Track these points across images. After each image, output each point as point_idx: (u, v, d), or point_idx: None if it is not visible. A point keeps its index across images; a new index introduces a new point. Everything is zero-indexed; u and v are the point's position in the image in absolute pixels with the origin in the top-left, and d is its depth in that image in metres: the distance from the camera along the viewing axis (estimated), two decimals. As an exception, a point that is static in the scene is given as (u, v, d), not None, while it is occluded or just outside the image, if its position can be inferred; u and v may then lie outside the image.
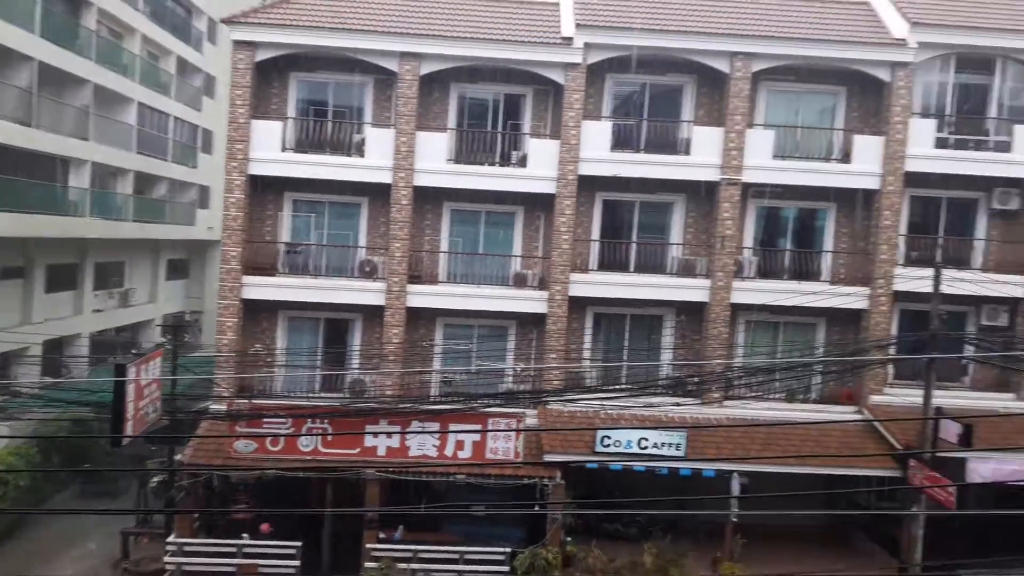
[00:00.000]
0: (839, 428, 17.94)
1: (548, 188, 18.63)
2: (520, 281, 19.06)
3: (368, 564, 16.43)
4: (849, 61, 18.62)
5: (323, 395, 18.59)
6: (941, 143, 18.95)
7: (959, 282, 17.54)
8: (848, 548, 18.37)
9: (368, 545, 16.79)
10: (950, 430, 16.12)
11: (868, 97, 19.36)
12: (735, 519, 16.64)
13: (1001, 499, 18.39)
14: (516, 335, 19.59)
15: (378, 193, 18.84)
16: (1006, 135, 19.07)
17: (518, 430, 16.83)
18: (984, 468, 16.58)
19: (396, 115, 18.59)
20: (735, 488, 16.71)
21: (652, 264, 19.57)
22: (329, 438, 16.56)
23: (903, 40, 18.49)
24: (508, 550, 16.57)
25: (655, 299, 19.19)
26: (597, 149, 18.59)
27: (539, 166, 18.60)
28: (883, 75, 18.69)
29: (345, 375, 18.86)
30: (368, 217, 19.33)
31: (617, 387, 18.94)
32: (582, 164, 18.57)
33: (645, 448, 16.85)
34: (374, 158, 18.43)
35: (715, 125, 18.93)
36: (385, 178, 18.42)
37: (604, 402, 17.81)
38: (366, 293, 18.60)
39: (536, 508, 17.03)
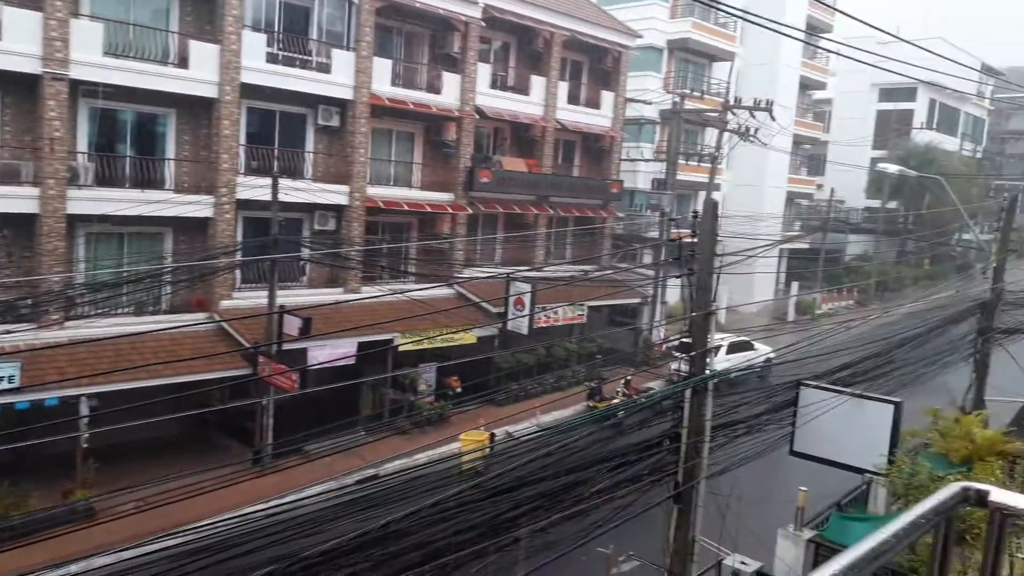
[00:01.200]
0: (192, 335, 18.17)
1: None
2: None
3: None
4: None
5: None
6: (272, 58, 20.13)
7: (294, 191, 19.29)
8: (207, 448, 19.04)
9: None
10: (292, 324, 17.90)
11: (202, 3, 19.21)
12: (86, 444, 15.55)
13: (336, 376, 21.39)
14: None
15: None
16: (327, 57, 21.31)
17: None
18: (321, 353, 18.97)
19: None
20: (84, 411, 15.53)
21: (-42, 169, 16.21)
22: None
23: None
24: None
25: (-35, 211, 16.05)
26: None
27: None
28: (215, -18, 18.74)
29: None
30: None
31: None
32: None
33: (-34, 388, 14.26)
34: None
35: (33, 9, 16.34)
36: None
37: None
38: None
39: None
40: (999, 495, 2.11)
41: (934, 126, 52.67)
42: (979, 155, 61.47)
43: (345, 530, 6.33)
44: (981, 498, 2.12)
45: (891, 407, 10.52)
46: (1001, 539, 2.17)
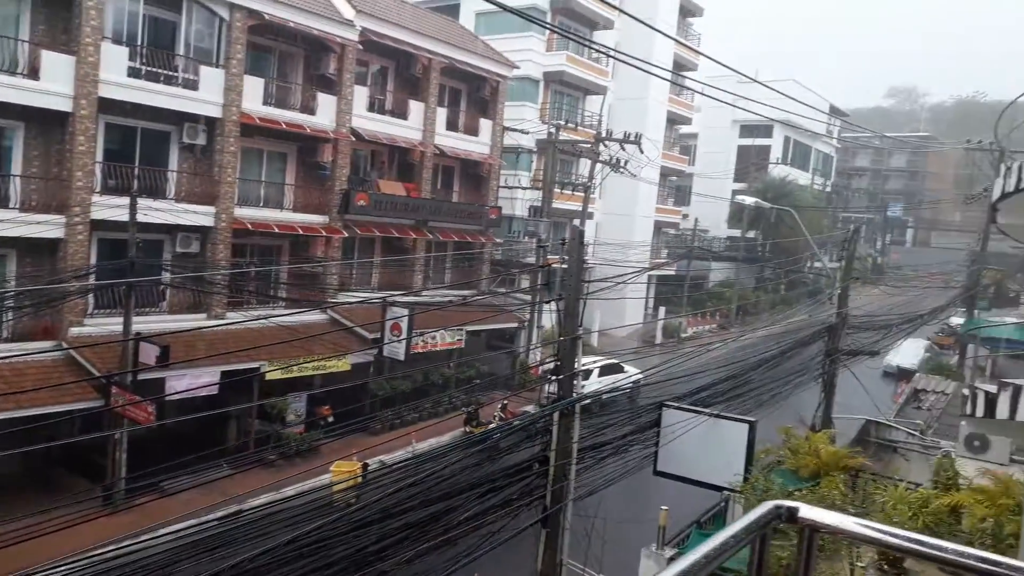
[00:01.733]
0: (37, 365, 16.83)
1: None
2: None
3: None
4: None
5: None
6: (134, 73, 19.15)
7: (155, 211, 18.34)
8: (51, 488, 17.58)
9: None
10: (149, 352, 16.91)
11: (57, 12, 18.09)
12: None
13: (198, 407, 20.32)
14: None
15: None
16: (194, 74, 20.49)
17: None
18: (181, 383, 17.99)
19: None
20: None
21: None
22: None
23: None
24: None
25: None
26: None
27: None
28: (72, -10, 17.70)
29: None
30: None
31: None
32: None
33: None
34: None
35: None
36: None
37: None
38: None
39: None
40: (807, 511, 2.24)
41: (789, 161, 56.62)
42: (828, 189, 66.57)
43: (196, 571, 5.99)
44: (792, 515, 2.24)
45: (746, 426, 11.09)
46: (811, 553, 2.30)
